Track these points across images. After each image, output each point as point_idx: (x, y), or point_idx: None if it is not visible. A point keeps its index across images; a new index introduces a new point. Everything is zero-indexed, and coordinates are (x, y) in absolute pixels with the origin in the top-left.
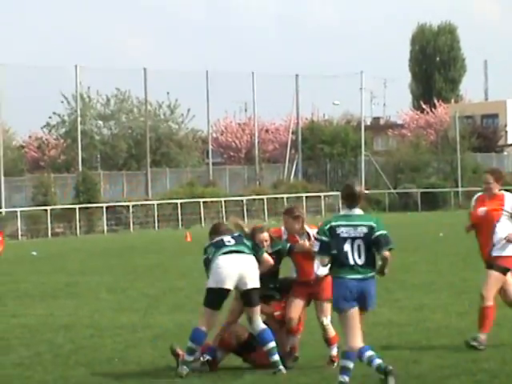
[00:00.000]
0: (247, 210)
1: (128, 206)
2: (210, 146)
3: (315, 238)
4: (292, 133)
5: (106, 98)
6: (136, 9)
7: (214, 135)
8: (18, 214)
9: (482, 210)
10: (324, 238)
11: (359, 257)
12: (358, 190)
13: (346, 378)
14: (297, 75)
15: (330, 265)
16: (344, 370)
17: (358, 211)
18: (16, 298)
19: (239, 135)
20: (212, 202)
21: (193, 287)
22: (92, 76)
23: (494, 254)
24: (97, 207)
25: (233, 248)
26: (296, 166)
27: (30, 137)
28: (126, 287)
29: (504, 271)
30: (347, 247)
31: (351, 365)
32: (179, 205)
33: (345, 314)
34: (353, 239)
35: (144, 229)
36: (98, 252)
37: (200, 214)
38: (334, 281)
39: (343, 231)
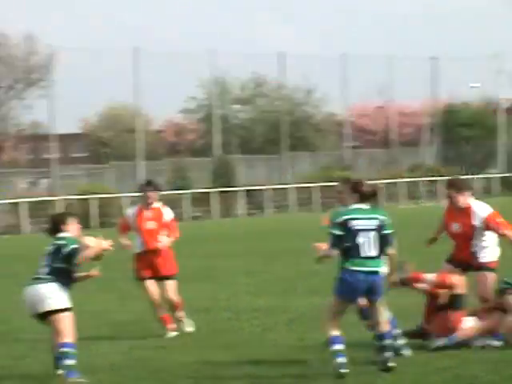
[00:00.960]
0: (384, 194)
1: (265, 190)
2: (347, 130)
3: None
4: (429, 116)
5: (242, 82)
6: None
7: (351, 119)
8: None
9: (455, 226)
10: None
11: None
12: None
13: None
14: (434, 57)
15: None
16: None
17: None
18: None
19: (376, 118)
20: None
21: (328, 271)
22: (229, 60)
23: (481, 260)
24: (234, 191)
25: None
26: (434, 149)
27: (167, 121)
28: (262, 271)
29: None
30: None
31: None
32: (315, 188)
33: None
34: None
35: (280, 212)
36: (234, 236)
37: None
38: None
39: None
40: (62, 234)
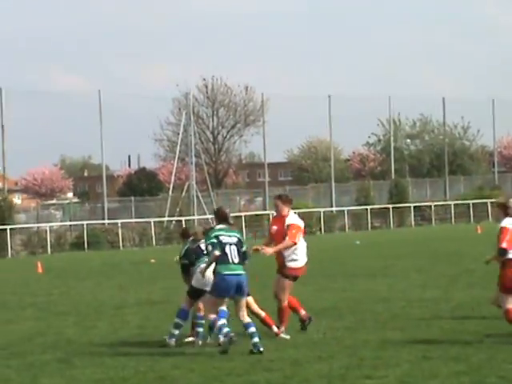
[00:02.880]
0: None
1: (430, 206)
2: (496, 158)
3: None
4: None
5: (412, 121)
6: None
7: (499, 149)
8: (345, 212)
9: (273, 228)
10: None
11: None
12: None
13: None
14: None
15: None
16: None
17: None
18: (345, 277)
19: None
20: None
21: (484, 269)
22: (401, 103)
23: (288, 264)
24: (406, 206)
25: None
26: None
27: (353, 152)
28: (429, 269)
29: (294, 279)
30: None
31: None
32: (471, 204)
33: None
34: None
35: (443, 223)
36: (407, 241)
37: (487, 211)
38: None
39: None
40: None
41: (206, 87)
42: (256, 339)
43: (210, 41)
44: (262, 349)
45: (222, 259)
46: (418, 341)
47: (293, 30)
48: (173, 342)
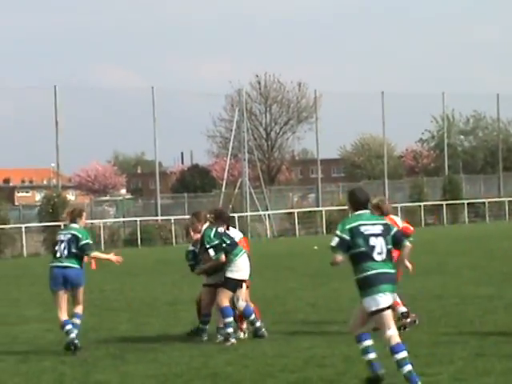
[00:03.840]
0: None
1: (484, 203)
2: None
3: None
4: None
5: (466, 117)
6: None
7: None
8: (399, 208)
9: None
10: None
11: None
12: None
13: None
14: None
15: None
16: None
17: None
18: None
19: None
20: None
21: None
22: (454, 100)
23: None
24: (459, 203)
25: None
26: None
27: (406, 149)
28: (483, 266)
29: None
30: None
31: None
32: None
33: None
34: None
35: (497, 220)
36: (461, 238)
37: None
38: None
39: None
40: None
41: (259, 84)
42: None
43: (263, 37)
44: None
45: None
46: (472, 338)
47: (345, 27)
48: (232, 341)
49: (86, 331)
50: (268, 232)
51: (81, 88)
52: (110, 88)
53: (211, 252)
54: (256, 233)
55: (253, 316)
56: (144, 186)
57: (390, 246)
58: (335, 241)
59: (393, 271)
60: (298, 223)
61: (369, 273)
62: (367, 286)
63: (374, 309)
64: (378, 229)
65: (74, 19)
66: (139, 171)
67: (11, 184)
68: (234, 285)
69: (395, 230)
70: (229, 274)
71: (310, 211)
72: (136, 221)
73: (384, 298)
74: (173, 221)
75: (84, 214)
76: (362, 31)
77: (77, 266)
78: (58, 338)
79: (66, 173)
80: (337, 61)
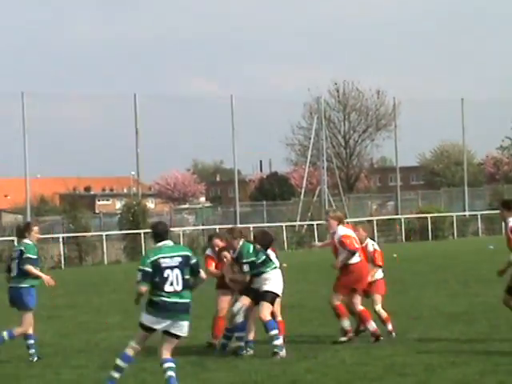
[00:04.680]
0: None
1: None
2: None
3: None
4: None
5: None
6: None
7: None
8: (479, 216)
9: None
10: None
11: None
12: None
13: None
14: None
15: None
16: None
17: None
18: (478, 282)
19: None
20: None
21: None
22: None
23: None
24: None
25: None
26: None
27: (487, 156)
28: None
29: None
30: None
31: None
32: None
33: None
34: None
35: None
36: None
37: None
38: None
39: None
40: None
41: (338, 91)
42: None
43: (341, 45)
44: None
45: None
46: None
47: (423, 33)
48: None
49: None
50: None
51: (160, 96)
52: (188, 96)
53: (246, 268)
54: None
55: (274, 332)
56: (223, 194)
57: (187, 276)
58: (139, 275)
59: (183, 301)
60: (377, 231)
61: (156, 299)
62: (151, 305)
63: (143, 322)
64: (177, 261)
65: (152, 28)
66: (218, 179)
67: (92, 192)
68: (273, 298)
69: (194, 260)
70: (266, 288)
71: (388, 219)
72: (215, 229)
73: (158, 322)
74: (252, 228)
75: (33, 228)
76: (440, 36)
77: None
78: None
79: (145, 181)
80: (415, 67)
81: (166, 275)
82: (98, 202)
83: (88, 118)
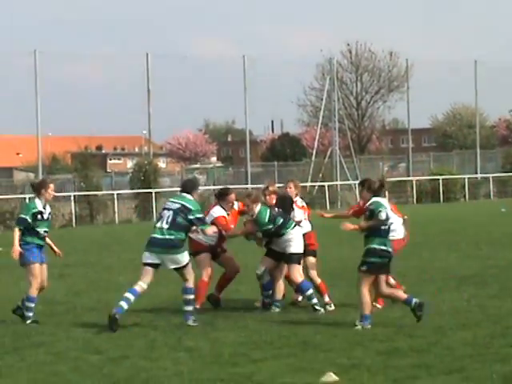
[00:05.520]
0: None
1: None
2: None
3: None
4: None
5: None
6: None
7: None
8: (490, 179)
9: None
10: None
11: None
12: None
13: None
14: None
15: None
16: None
17: None
18: (490, 244)
19: None
20: None
21: None
22: None
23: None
24: None
25: None
26: None
27: (499, 119)
28: None
29: None
30: None
31: None
32: None
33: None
34: None
35: None
36: None
37: None
38: None
39: None
40: None
41: (350, 52)
42: None
43: (354, 6)
44: None
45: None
46: None
47: None
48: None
49: (177, 297)
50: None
51: (172, 56)
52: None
53: (259, 234)
54: (345, 201)
55: (309, 292)
56: (234, 155)
57: (180, 220)
58: None
59: (167, 237)
60: (389, 192)
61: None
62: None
63: (142, 259)
64: (175, 206)
65: None
66: (230, 139)
67: (104, 151)
68: (299, 258)
69: (191, 217)
70: (292, 250)
71: (400, 181)
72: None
73: (149, 256)
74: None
75: (50, 185)
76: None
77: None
78: (149, 304)
79: (157, 141)
80: (429, 28)
81: (162, 215)
82: (109, 161)
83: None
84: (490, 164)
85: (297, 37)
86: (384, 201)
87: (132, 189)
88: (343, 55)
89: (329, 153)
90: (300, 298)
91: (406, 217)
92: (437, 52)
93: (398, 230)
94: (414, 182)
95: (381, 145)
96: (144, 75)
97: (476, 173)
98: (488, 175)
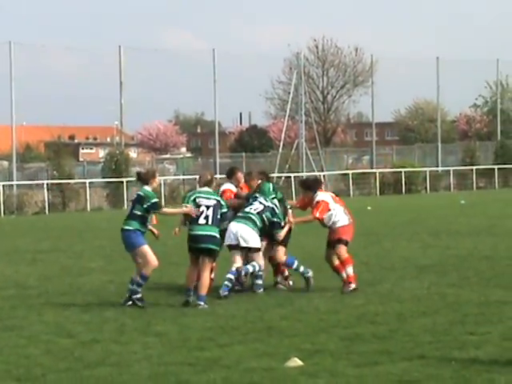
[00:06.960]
0: None
1: None
2: None
3: None
4: None
5: None
6: None
7: None
8: (451, 172)
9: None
10: None
11: None
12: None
13: None
14: None
15: None
16: None
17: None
18: (449, 235)
19: None
20: None
21: None
22: (509, 67)
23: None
24: (511, 168)
25: None
26: None
27: (460, 114)
28: None
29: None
30: None
31: None
32: None
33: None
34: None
35: None
36: (511, 201)
37: None
38: None
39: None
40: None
41: (317, 48)
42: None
43: (322, 2)
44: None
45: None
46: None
47: None
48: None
49: (148, 284)
50: None
51: (144, 49)
52: (172, 50)
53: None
54: None
55: (295, 265)
56: (203, 146)
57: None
58: None
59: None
60: (353, 184)
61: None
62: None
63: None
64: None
65: None
66: (199, 131)
67: (76, 141)
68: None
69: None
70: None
71: (364, 173)
72: (195, 178)
73: None
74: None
75: (156, 175)
76: None
77: (130, 227)
78: (119, 290)
79: (128, 131)
80: (393, 26)
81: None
82: (81, 151)
83: (74, 69)
84: (450, 157)
85: (266, 31)
86: (325, 194)
87: (103, 178)
88: (310, 50)
89: (295, 145)
90: (279, 279)
91: (369, 207)
92: (400, 49)
93: (341, 218)
94: (378, 174)
95: (346, 138)
96: (116, 67)
97: (437, 166)
98: (448, 168)
